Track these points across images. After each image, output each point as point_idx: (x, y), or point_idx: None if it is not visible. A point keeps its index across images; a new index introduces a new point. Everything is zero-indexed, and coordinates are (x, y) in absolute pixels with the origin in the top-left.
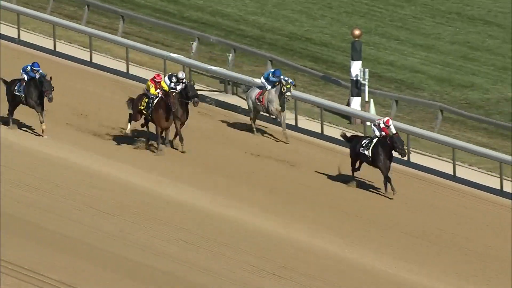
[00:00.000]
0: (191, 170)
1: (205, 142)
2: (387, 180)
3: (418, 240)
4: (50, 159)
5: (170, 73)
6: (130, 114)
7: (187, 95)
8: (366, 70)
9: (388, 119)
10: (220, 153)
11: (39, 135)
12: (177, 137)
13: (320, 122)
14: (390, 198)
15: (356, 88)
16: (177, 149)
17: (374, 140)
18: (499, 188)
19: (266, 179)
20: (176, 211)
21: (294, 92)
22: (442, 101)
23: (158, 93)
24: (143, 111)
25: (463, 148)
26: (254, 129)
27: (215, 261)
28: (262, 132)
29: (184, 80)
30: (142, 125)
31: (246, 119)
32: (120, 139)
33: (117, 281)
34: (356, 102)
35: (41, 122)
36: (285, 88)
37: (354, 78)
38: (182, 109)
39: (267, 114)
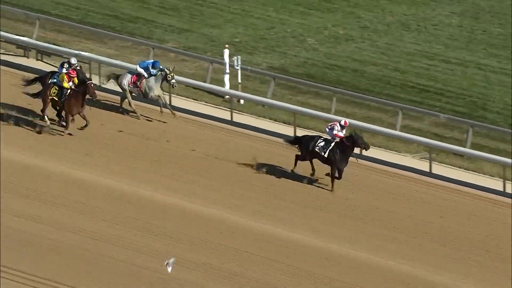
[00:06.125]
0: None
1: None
2: (338, 178)
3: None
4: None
5: (62, 61)
6: (42, 110)
7: (85, 80)
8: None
9: (346, 120)
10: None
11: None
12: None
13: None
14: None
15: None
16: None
17: (332, 144)
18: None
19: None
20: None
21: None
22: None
23: (70, 86)
24: (55, 99)
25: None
26: (122, 108)
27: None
28: (128, 111)
29: (76, 66)
30: (57, 115)
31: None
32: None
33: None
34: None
35: None
36: (170, 76)
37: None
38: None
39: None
